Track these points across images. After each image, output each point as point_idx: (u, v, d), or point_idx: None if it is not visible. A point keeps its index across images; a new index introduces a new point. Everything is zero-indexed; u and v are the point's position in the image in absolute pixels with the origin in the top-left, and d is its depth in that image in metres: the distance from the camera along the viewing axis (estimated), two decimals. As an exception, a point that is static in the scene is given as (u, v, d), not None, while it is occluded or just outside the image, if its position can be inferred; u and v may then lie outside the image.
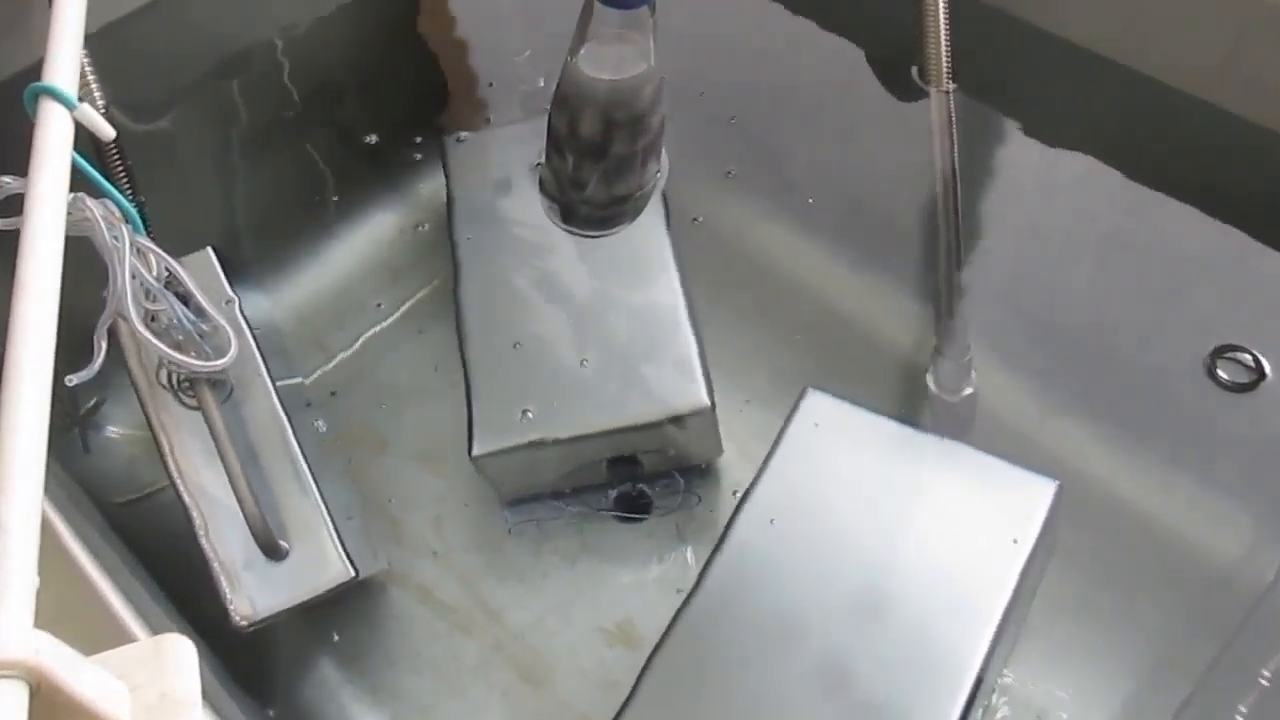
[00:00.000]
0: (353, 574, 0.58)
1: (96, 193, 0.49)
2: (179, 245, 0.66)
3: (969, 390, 0.64)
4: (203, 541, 0.57)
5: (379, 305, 0.79)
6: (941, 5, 0.55)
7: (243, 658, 0.66)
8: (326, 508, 0.59)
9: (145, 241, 0.51)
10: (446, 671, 0.67)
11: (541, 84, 0.87)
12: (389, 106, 0.83)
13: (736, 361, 0.74)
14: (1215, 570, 0.64)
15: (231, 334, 0.55)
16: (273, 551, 0.56)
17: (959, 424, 0.65)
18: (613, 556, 0.69)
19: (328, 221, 0.82)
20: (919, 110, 0.72)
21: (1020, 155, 0.79)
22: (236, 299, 0.62)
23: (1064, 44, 0.77)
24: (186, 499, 0.58)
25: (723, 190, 0.81)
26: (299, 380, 0.73)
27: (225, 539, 0.57)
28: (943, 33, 0.56)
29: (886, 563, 0.56)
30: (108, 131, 0.48)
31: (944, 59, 0.57)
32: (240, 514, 0.56)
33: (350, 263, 0.81)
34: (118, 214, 0.49)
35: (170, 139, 0.72)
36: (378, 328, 0.79)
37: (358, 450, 0.74)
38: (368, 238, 0.82)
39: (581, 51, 0.63)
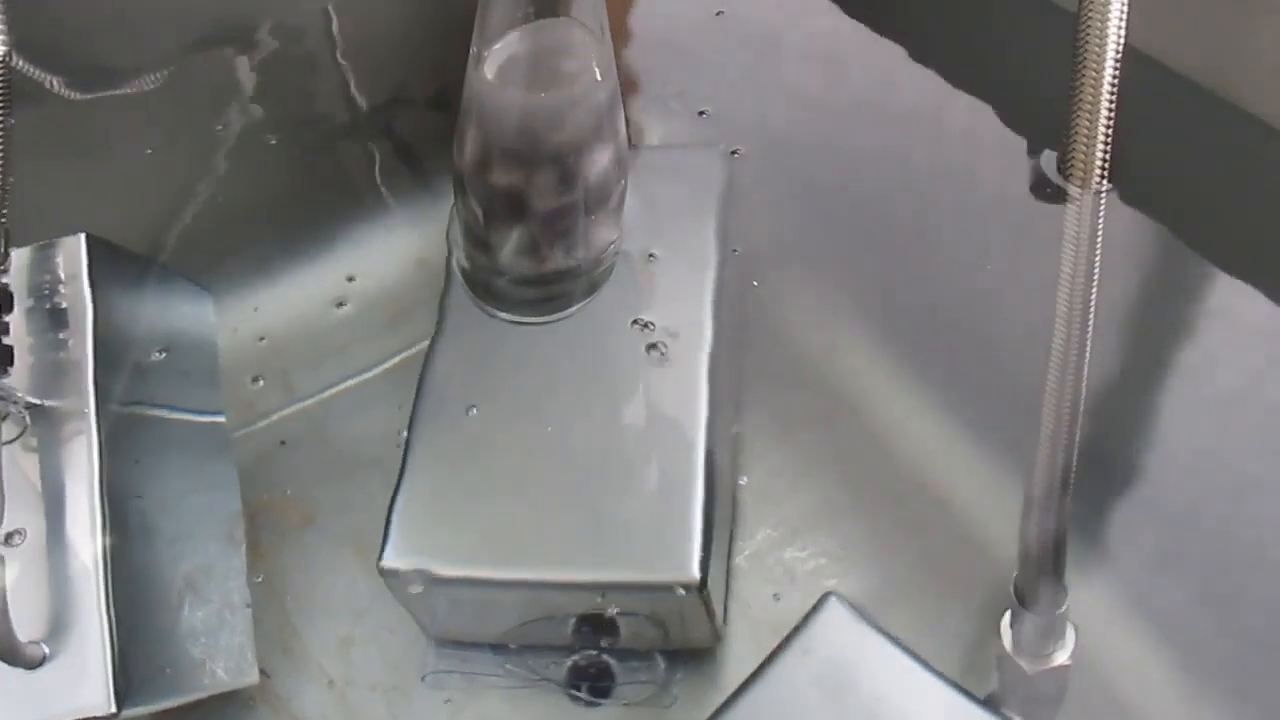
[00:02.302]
0: (111, 710, 0.42)
1: None
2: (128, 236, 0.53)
3: (1061, 660, 0.44)
4: (-54, 619, 0.42)
5: (373, 349, 0.64)
6: (1108, 69, 0.35)
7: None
8: (109, 609, 0.43)
9: None
10: (291, 846, 0.51)
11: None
12: (442, 103, 0.68)
13: (785, 524, 0.56)
14: None
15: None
16: (9, 653, 0.41)
17: (1036, 703, 0.45)
18: (549, 745, 0.52)
19: (330, 235, 0.67)
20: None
21: (1227, 313, 0.57)
22: (92, 309, 0.48)
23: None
24: (-54, 558, 0.43)
25: (808, 286, 0.63)
26: (217, 419, 0.58)
27: (-25, 620, 0.42)
28: (1103, 109, 0.37)
29: None
30: None
31: (1099, 147, 0.38)
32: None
33: (353, 290, 0.66)
34: None
35: (143, 104, 0.59)
36: (356, 379, 0.63)
37: (282, 520, 0.58)
38: (377, 264, 0.67)
39: (487, 51, 0.46)
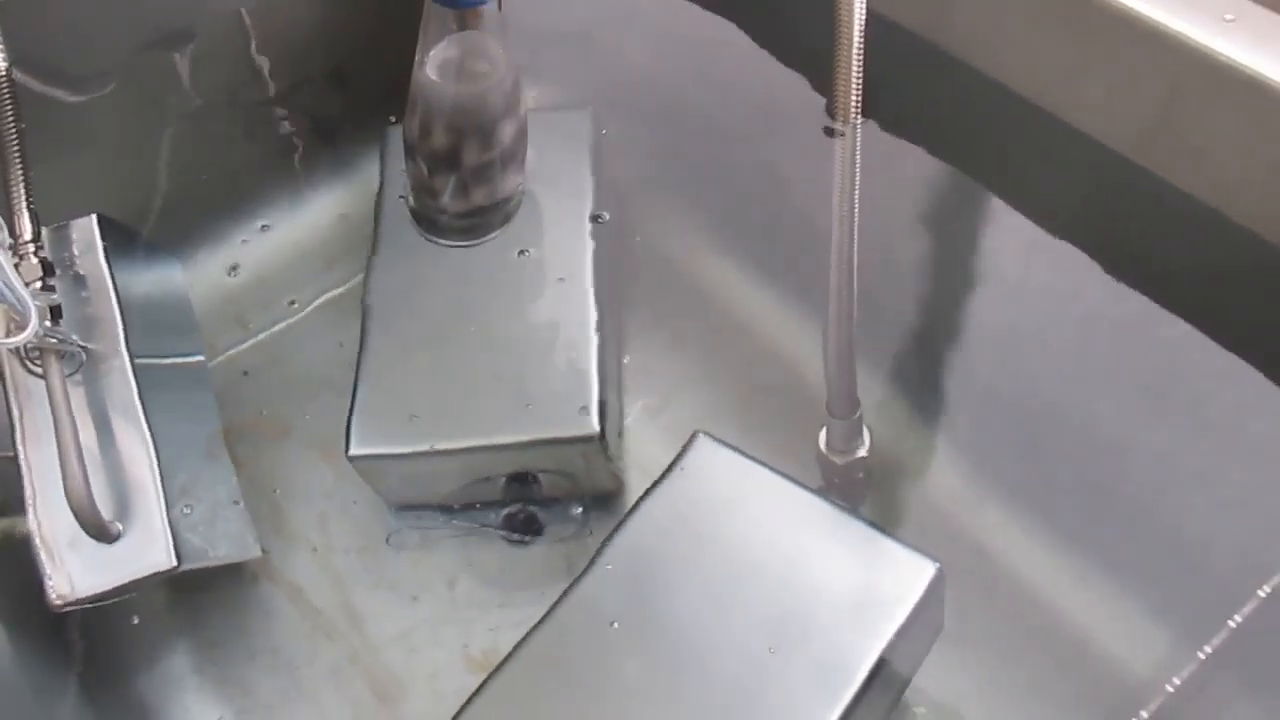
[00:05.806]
0: (174, 563, 0.55)
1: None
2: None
3: (861, 453, 0.60)
4: (30, 514, 0.55)
5: (310, 290, 0.77)
6: (857, 22, 0.48)
7: (91, 632, 0.65)
8: (163, 491, 0.56)
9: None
10: (300, 675, 0.64)
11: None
12: (357, 80, 0.81)
13: (661, 392, 0.71)
14: (1113, 660, 0.60)
15: (33, 308, 0.52)
16: (98, 532, 0.54)
17: (849, 486, 0.61)
18: (494, 580, 0.66)
19: (267, 199, 0.80)
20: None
21: (967, 207, 0.74)
22: (109, 273, 0.60)
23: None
24: (23, 468, 0.56)
25: (667, 209, 0.78)
26: (198, 359, 0.71)
27: (54, 514, 0.55)
28: (854, 53, 0.50)
29: (746, 622, 0.52)
30: None
31: (853, 87, 0.51)
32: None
33: (288, 243, 0.79)
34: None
35: (104, 104, 0.71)
36: (303, 312, 0.76)
37: (257, 434, 0.72)
38: (309, 219, 0.80)
39: (426, 56, 0.62)
